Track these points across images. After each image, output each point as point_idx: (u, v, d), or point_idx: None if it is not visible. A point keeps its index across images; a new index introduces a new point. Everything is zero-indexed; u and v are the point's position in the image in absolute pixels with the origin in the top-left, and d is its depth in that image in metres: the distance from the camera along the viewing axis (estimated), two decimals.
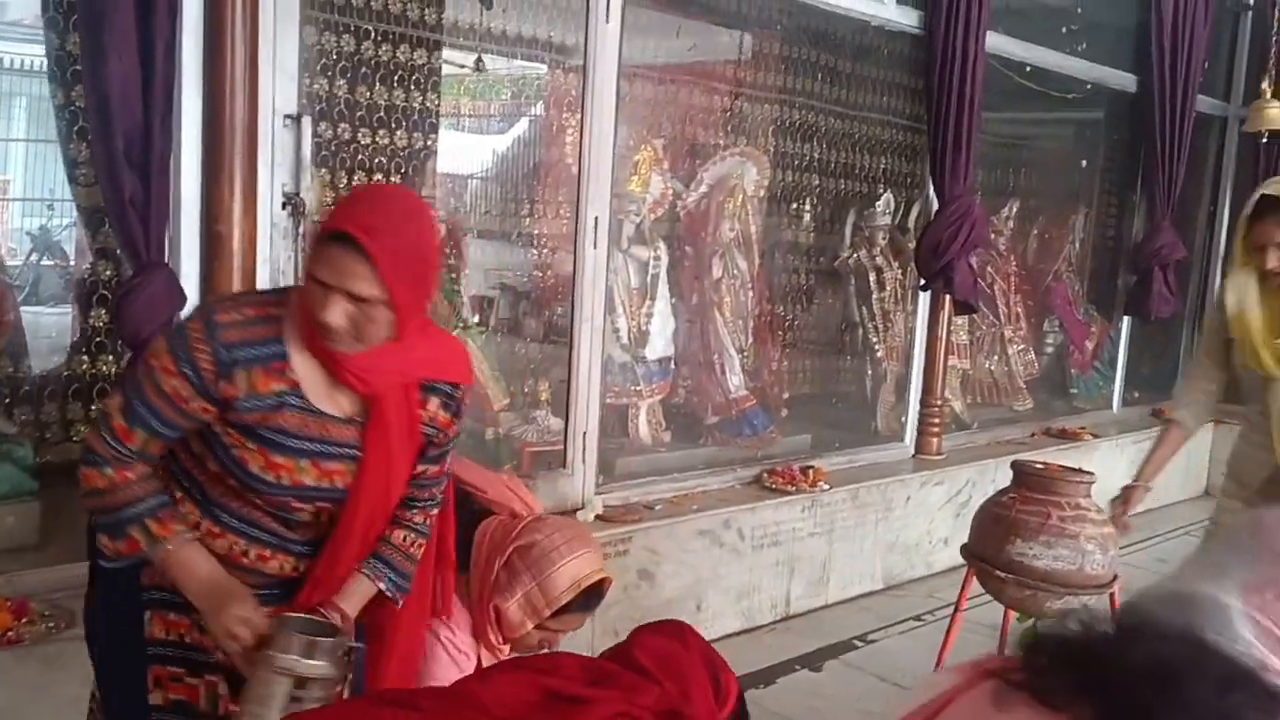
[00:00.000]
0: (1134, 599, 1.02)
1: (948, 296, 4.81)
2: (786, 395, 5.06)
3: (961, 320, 5.33)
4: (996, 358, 6.20)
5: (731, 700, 1.56)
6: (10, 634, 2.40)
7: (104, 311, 2.83)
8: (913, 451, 5.00)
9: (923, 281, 4.79)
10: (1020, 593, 2.97)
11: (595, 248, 3.61)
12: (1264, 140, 5.32)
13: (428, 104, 4.02)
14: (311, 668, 1.59)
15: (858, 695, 3.57)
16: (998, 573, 2.99)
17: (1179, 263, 5.97)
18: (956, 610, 3.29)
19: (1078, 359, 6.58)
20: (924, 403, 5.01)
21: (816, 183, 5.21)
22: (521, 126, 4.93)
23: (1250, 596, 0.99)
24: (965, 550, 3.21)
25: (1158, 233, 5.81)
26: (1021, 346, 6.26)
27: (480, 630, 2.17)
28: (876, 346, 5.23)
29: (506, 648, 2.20)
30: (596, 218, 3.60)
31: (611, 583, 2.20)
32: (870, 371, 5.27)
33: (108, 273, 2.83)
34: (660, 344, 4.41)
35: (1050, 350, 6.58)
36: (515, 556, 2.13)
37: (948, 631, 3.31)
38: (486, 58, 4.19)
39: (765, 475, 4.27)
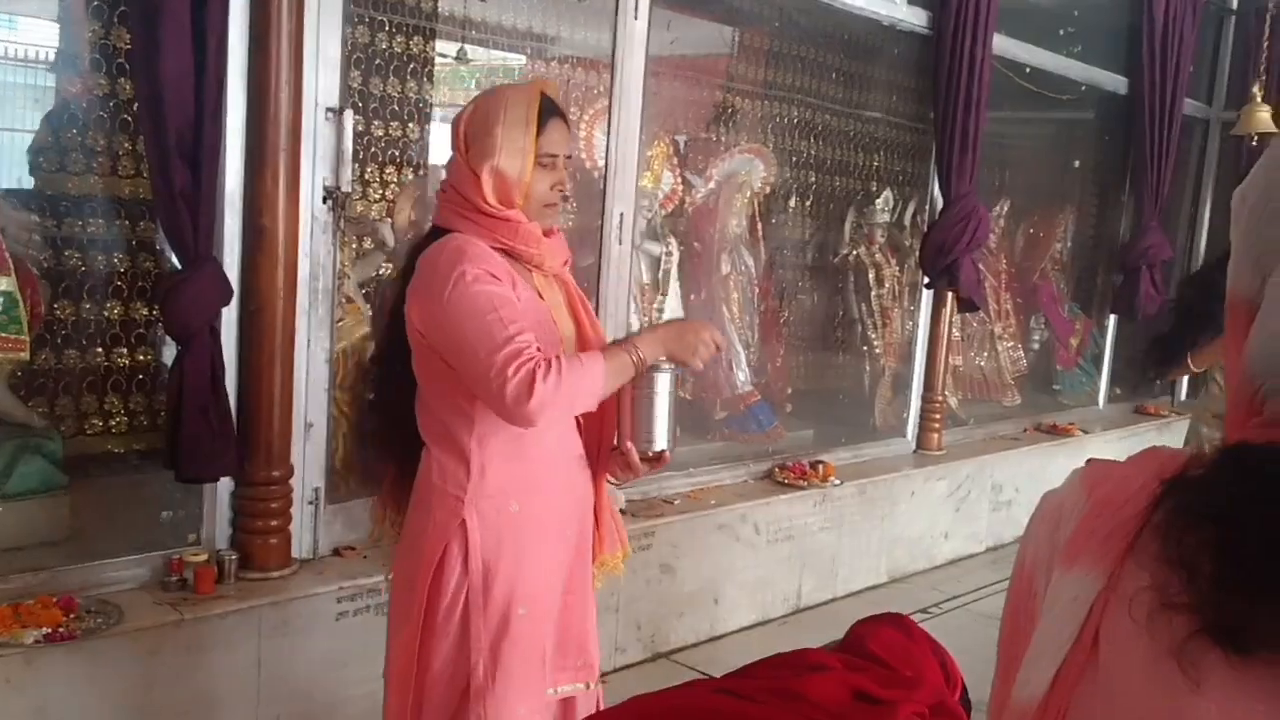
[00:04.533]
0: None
1: (949, 294, 4.88)
2: (789, 391, 5.11)
3: (955, 317, 5.42)
4: (986, 354, 6.30)
5: (959, 683, 1.66)
6: (61, 630, 2.37)
7: (140, 304, 2.81)
8: (914, 447, 5.07)
9: (927, 279, 4.86)
10: None
11: (620, 244, 3.63)
12: (1254, 143, 5.45)
13: (424, 94, 4.03)
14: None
15: None
16: None
17: (1165, 263, 6.10)
18: None
19: (1063, 356, 6.70)
20: (925, 399, 5.08)
21: (813, 180, 5.26)
22: None
23: None
24: None
25: (1145, 233, 5.93)
26: (1011, 343, 6.37)
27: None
28: (875, 343, 5.30)
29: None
30: (621, 214, 3.62)
31: (556, 88, 2.04)
32: (868, 368, 5.34)
33: (147, 264, 2.79)
34: None
35: (1036, 347, 6.69)
36: (463, 135, 1.96)
37: None
38: (501, 54, 4.21)
39: (777, 470, 4.32)
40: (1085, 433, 5.95)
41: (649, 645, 3.71)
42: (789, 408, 5.00)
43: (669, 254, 4.41)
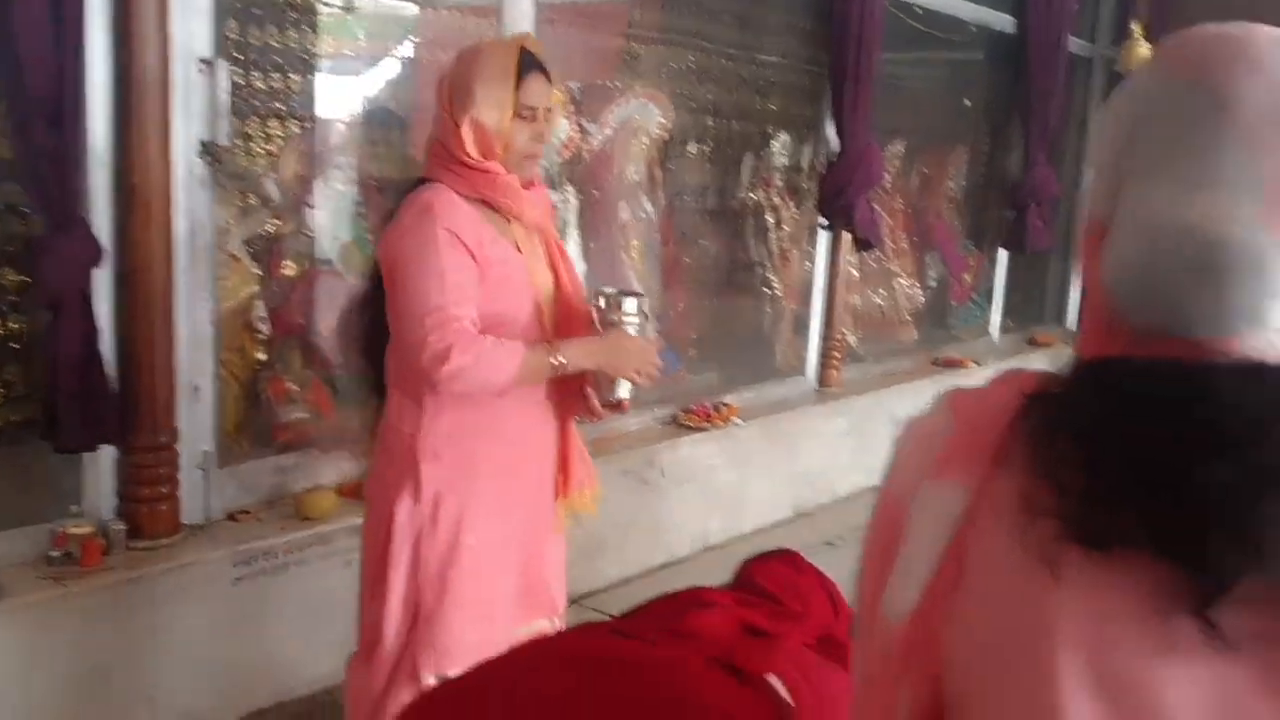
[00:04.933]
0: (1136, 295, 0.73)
1: (846, 234, 4.95)
2: (693, 335, 5.15)
3: (853, 257, 5.50)
4: (884, 291, 6.42)
5: (846, 614, 1.72)
6: None
7: (9, 270, 2.69)
8: (815, 384, 5.16)
9: (824, 221, 4.91)
10: None
11: None
12: None
13: (306, 44, 3.90)
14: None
15: None
16: None
17: (1052, 198, 6.26)
18: None
19: (957, 291, 6.87)
20: (825, 337, 5.16)
21: (711, 124, 5.26)
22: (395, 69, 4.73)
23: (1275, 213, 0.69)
24: None
25: (1034, 170, 6.07)
26: (907, 281, 6.50)
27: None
28: (775, 284, 5.36)
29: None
30: None
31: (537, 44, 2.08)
32: (769, 309, 5.40)
33: (18, 228, 2.67)
34: None
35: (934, 284, 6.85)
36: (446, 88, 2.03)
37: None
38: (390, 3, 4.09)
39: (681, 414, 4.36)
40: (978, 365, 6.12)
41: None
42: (692, 352, 5.03)
43: (567, 202, 4.38)
